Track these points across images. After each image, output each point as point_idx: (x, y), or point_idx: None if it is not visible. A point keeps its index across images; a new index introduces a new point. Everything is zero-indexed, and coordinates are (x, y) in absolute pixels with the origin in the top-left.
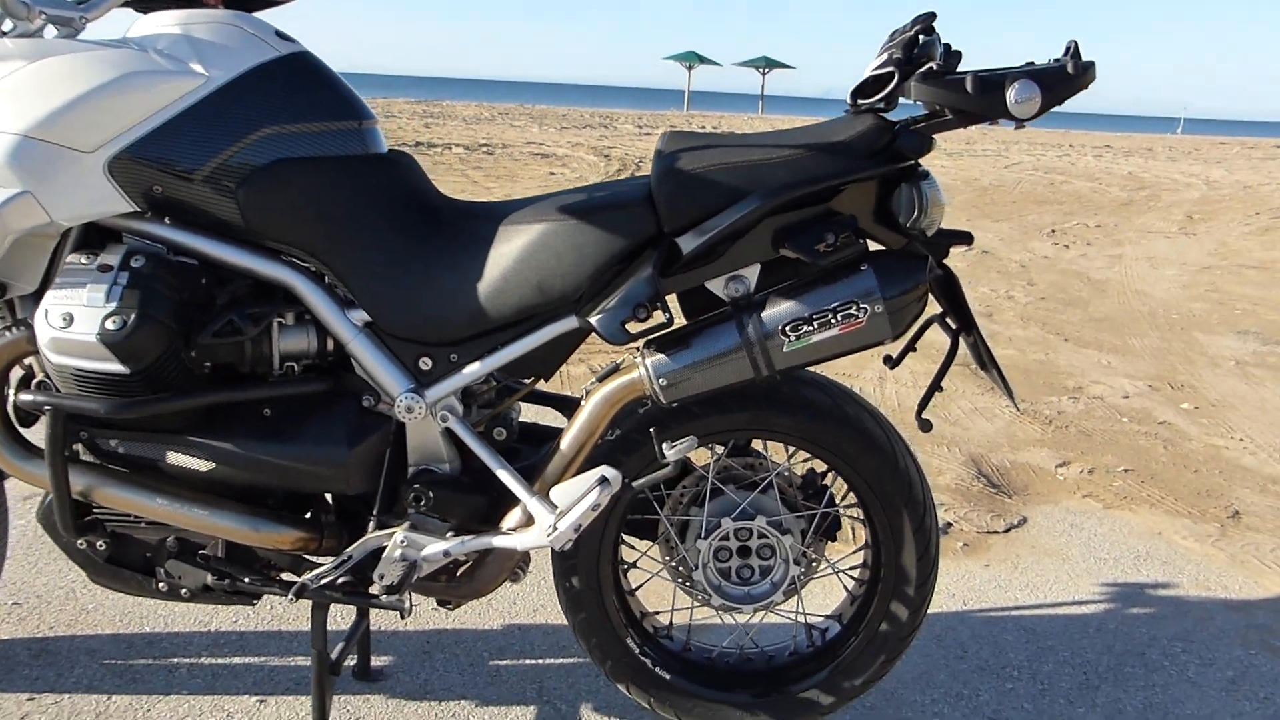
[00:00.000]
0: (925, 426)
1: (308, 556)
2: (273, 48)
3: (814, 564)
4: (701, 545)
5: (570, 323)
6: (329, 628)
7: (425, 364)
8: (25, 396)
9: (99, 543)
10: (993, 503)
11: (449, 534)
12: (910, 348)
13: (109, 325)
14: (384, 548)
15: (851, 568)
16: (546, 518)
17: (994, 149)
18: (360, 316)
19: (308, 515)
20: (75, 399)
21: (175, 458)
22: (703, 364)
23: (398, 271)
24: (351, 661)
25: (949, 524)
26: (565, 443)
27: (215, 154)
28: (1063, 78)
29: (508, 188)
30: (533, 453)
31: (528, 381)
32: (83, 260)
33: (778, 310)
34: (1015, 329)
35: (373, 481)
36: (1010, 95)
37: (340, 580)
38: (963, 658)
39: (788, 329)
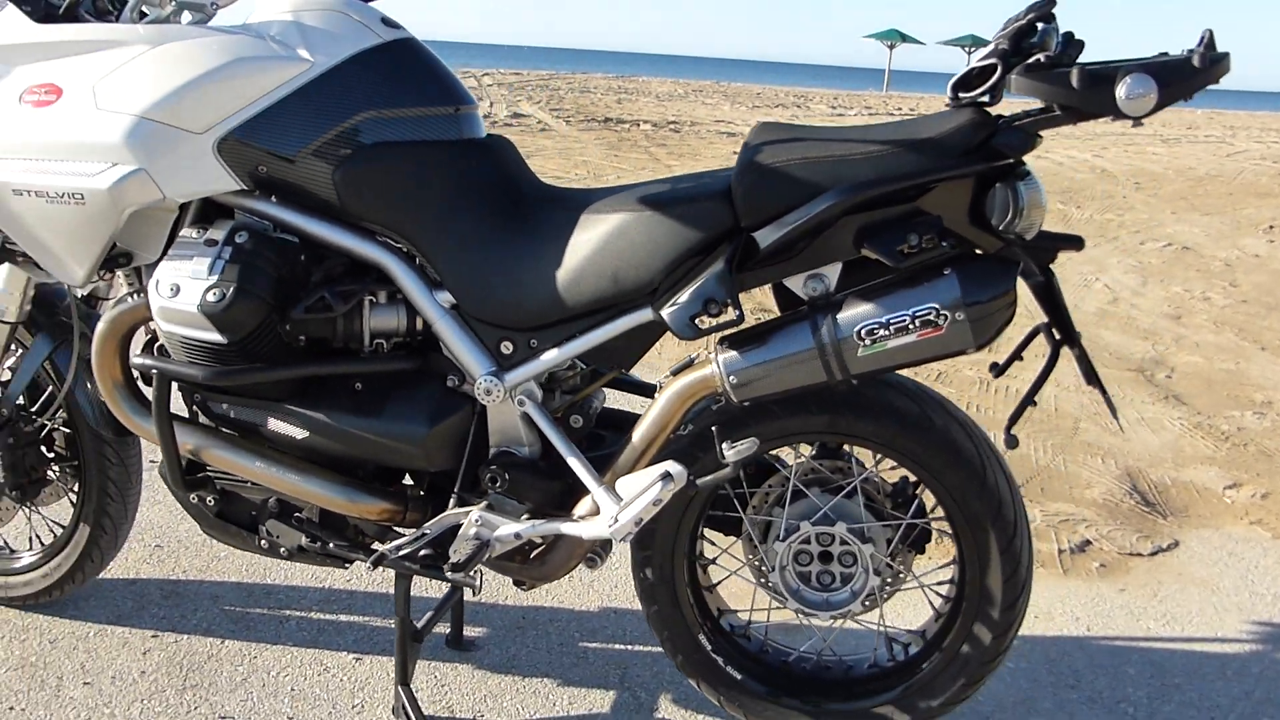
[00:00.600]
0: (1011, 443)
1: (395, 528)
2: (376, 34)
3: (899, 575)
4: (779, 547)
5: (646, 315)
6: (425, 596)
7: (506, 348)
8: (137, 359)
9: (209, 499)
10: (1143, 522)
11: (524, 517)
12: (1017, 356)
13: (209, 297)
14: (461, 525)
15: (939, 583)
16: (610, 508)
17: (1218, 134)
18: (447, 298)
19: (395, 488)
20: (179, 364)
21: (274, 424)
22: (775, 364)
23: (482, 256)
24: (446, 629)
25: (1087, 542)
26: (637, 435)
27: (315, 137)
28: (1183, 71)
29: (689, 166)
30: (616, 440)
31: (609, 371)
32: (193, 235)
33: (854, 313)
34: (1205, 333)
35: (454, 460)
36: (1121, 91)
37: (418, 553)
38: (1074, 686)
39: (863, 332)
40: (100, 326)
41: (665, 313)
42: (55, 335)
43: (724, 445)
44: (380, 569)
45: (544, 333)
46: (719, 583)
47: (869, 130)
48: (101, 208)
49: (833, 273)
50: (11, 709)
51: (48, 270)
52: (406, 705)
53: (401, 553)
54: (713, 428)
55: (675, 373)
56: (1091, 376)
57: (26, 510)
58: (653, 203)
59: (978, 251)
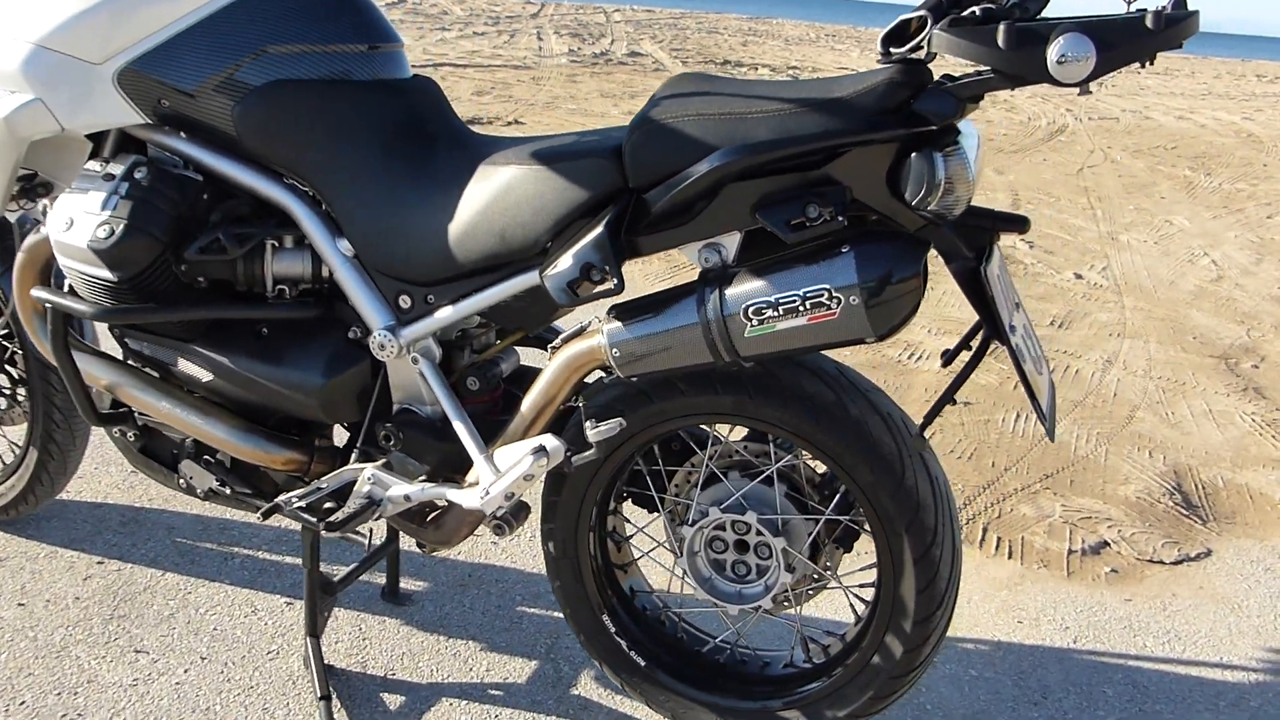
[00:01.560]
0: (920, 445)
1: (304, 479)
2: None
3: (821, 573)
4: (688, 532)
5: (534, 277)
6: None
7: (404, 302)
8: (34, 291)
9: (129, 434)
10: (1176, 527)
11: (421, 479)
12: (965, 345)
13: (99, 233)
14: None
15: (863, 585)
16: (486, 479)
17: None
18: (348, 246)
19: (301, 439)
20: (73, 299)
21: (183, 365)
22: (659, 338)
23: (379, 204)
24: (382, 580)
25: (1104, 544)
26: (525, 404)
27: (214, 71)
28: (1131, 32)
29: None
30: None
31: (513, 332)
32: (95, 168)
33: (743, 289)
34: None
35: (357, 414)
36: (1052, 52)
37: (313, 505)
38: (1038, 703)
39: (750, 311)
40: (19, 256)
41: (546, 276)
42: (5, 261)
43: (588, 424)
44: (266, 519)
45: (440, 288)
46: (634, 561)
47: (784, 86)
48: (0, 137)
49: (730, 243)
50: None
51: None
52: (311, 656)
53: (295, 505)
54: (578, 405)
55: (566, 340)
56: (1020, 371)
57: None
58: (545, 157)
59: (894, 229)
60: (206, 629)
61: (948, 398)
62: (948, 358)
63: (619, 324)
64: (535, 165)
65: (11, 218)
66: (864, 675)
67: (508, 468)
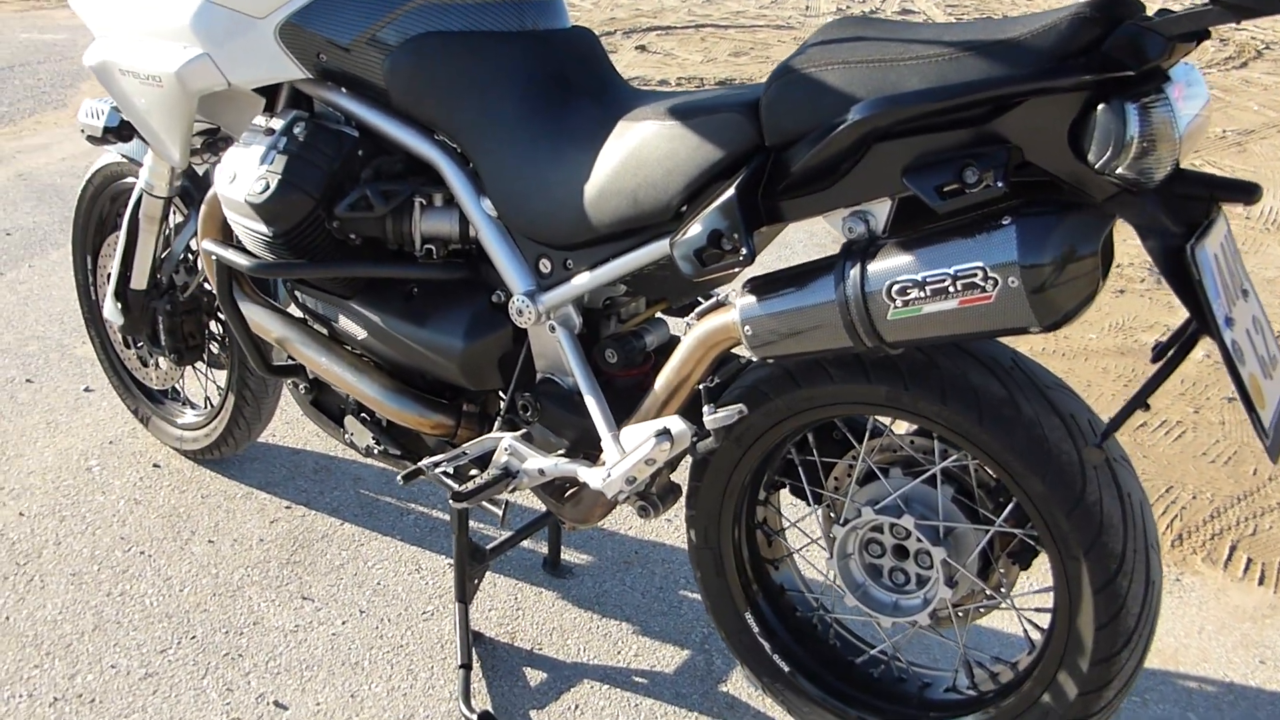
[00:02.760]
0: (1093, 456)
1: (454, 444)
2: None
3: (993, 590)
4: (840, 532)
5: (666, 245)
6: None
7: (545, 266)
8: (204, 243)
9: (301, 386)
10: None
11: (560, 452)
12: (1182, 336)
13: (255, 187)
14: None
15: (1040, 609)
16: (612, 459)
17: None
18: (491, 205)
19: (450, 403)
20: (233, 251)
21: (342, 322)
22: (793, 316)
23: (520, 161)
24: (544, 549)
25: None
26: (659, 382)
27: (368, 24)
28: None
29: None
30: None
31: (658, 302)
32: (261, 123)
33: (887, 264)
34: None
35: (499, 381)
36: None
37: (454, 471)
38: None
39: (894, 290)
40: (201, 209)
41: (674, 244)
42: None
43: (706, 409)
44: (407, 484)
45: (578, 253)
46: (788, 555)
47: (950, 29)
48: (173, 91)
49: (880, 211)
50: (142, 553)
51: (154, 149)
52: (458, 622)
53: (437, 470)
54: (702, 386)
55: (701, 314)
56: (1234, 377)
57: (199, 372)
58: (682, 111)
59: (1073, 199)
60: (371, 582)
61: (1140, 400)
62: (1159, 351)
63: (753, 298)
64: (670, 121)
65: (203, 171)
66: (1032, 713)
67: (630, 449)
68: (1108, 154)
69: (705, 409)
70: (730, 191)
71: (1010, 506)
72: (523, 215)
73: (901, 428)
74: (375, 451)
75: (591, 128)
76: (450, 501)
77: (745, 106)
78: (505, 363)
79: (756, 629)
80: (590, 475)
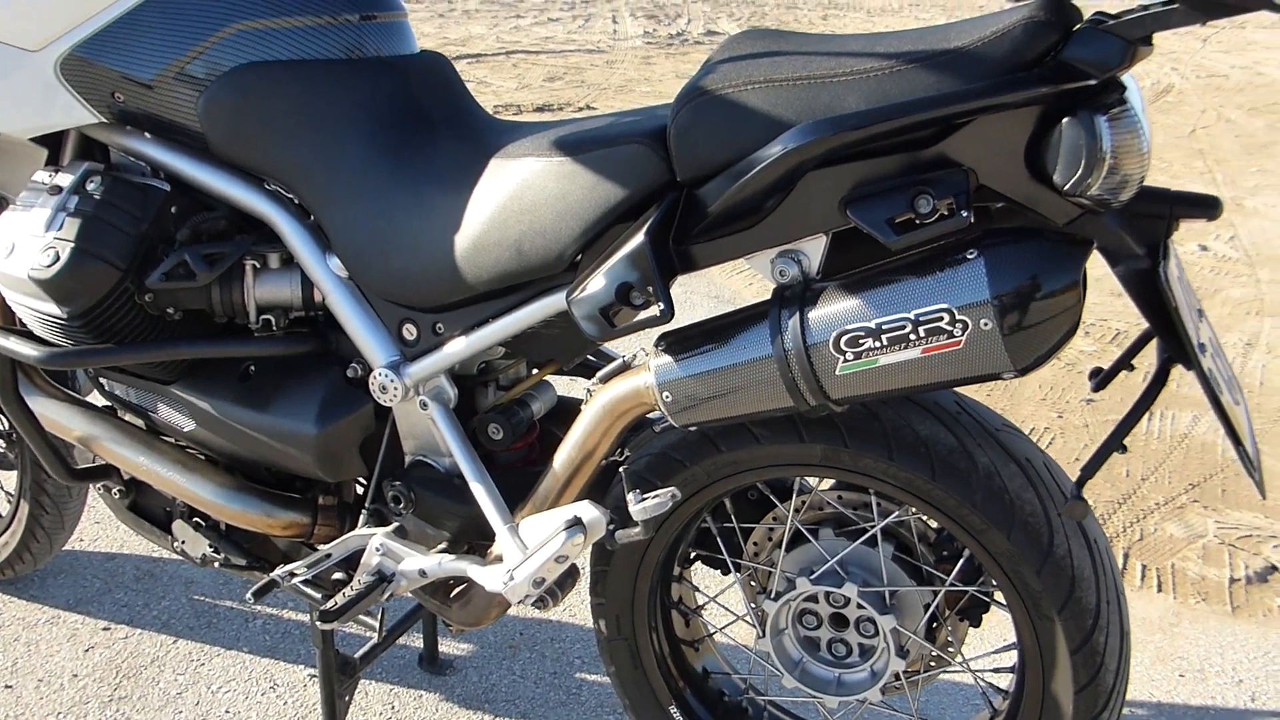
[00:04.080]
0: (1076, 511)
1: (310, 545)
2: None
3: (942, 653)
4: (772, 607)
5: (561, 300)
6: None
7: (409, 332)
8: None
9: (114, 490)
10: None
11: (441, 546)
12: (1125, 363)
13: (41, 259)
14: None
15: (998, 670)
16: (511, 558)
17: None
18: (340, 264)
19: (302, 497)
20: (15, 340)
21: (162, 412)
22: (722, 377)
23: (372, 211)
24: (420, 643)
25: (1272, 568)
26: (558, 460)
27: (175, 56)
28: None
29: None
30: None
31: (538, 369)
32: (45, 178)
33: (832, 310)
34: None
35: (361, 469)
36: None
37: (318, 580)
38: None
39: (843, 341)
40: None
41: (573, 301)
42: None
43: (631, 495)
44: (256, 601)
45: (450, 314)
46: (707, 636)
47: (881, 39)
48: None
49: (813, 250)
50: None
51: None
52: None
53: (295, 579)
54: (619, 470)
55: (605, 379)
56: (1217, 408)
57: None
58: (570, 146)
59: (1037, 224)
60: (218, 711)
61: (1116, 442)
62: (1099, 379)
63: (670, 359)
64: (557, 157)
65: None
66: None
67: (534, 546)
68: (1078, 173)
69: (630, 496)
70: (639, 237)
71: (962, 561)
72: (380, 274)
73: (824, 484)
74: (214, 562)
75: (457, 168)
76: (316, 622)
77: (649, 136)
78: (367, 447)
79: None
80: (486, 576)
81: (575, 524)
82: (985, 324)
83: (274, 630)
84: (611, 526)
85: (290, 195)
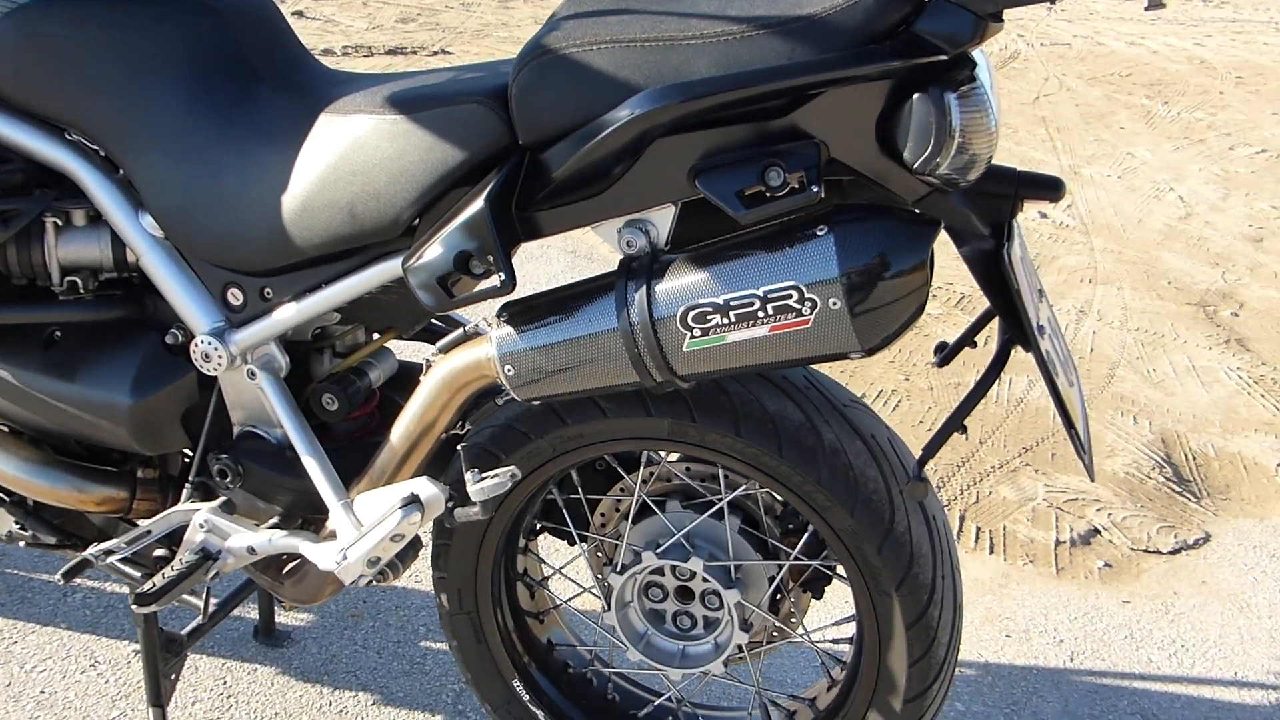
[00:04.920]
0: (917, 491)
1: (129, 519)
2: None
3: (784, 624)
4: (617, 581)
5: (397, 266)
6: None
7: (235, 297)
8: None
9: None
10: (1169, 508)
11: (272, 521)
12: (969, 339)
13: None
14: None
15: (836, 641)
16: (346, 535)
17: None
18: (154, 223)
19: (116, 471)
20: None
21: None
22: (566, 350)
23: (189, 167)
24: (255, 614)
25: (1094, 531)
26: (395, 433)
27: None
28: None
29: None
30: None
31: (377, 335)
32: None
33: (679, 284)
34: None
35: (183, 441)
36: None
37: (138, 558)
38: None
39: (690, 316)
40: None
41: (409, 269)
42: None
43: (469, 474)
44: (68, 582)
45: (279, 279)
46: (553, 608)
47: (731, 2)
48: None
49: (661, 220)
50: None
51: None
52: None
53: (110, 559)
54: (458, 447)
55: (444, 349)
56: (1053, 392)
57: None
58: (405, 103)
59: (885, 201)
60: (32, 691)
61: (956, 423)
62: (944, 355)
63: (511, 330)
64: (392, 115)
65: None
66: None
67: (369, 524)
68: (928, 150)
69: (468, 475)
70: (479, 203)
71: (806, 536)
72: (199, 235)
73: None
74: (21, 540)
75: (284, 122)
76: (133, 606)
77: (489, 96)
78: (190, 417)
79: (527, 697)
80: (319, 554)
81: (412, 501)
82: (834, 303)
83: (95, 604)
84: (450, 504)
85: (94, 146)
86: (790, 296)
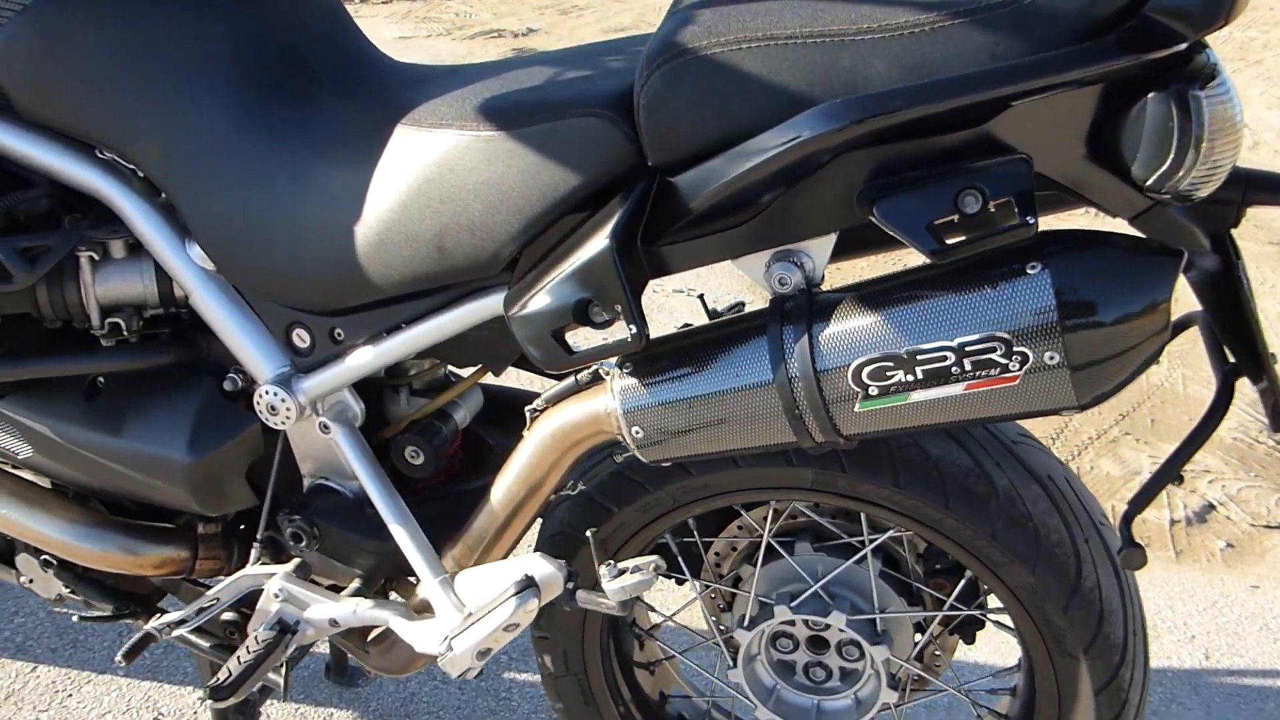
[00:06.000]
0: (1134, 560)
1: (191, 581)
2: None
3: (930, 671)
4: (744, 636)
5: (498, 303)
6: None
7: (301, 339)
8: None
9: None
10: None
11: (352, 586)
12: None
13: None
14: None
15: (994, 691)
16: (447, 618)
17: None
18: (204, 254)
19: (176, 526)
20: None
21: None
22: (706, 407)
23: (241, 191)
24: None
25: (1209, 506)
26: (496, 494)
27: None
28: None
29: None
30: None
31: (468, 373)
32: None
33: (851, 331)
34: None
35: (248, 499)
36: None
37: (208, 627)
38: None
39: (865, 373)
40: None
41: (513, 318)
42: None
43: (605, 569)
44: (129, 662)
45: (352, 319)
46: (666, 660)
47: None
48: None
49: (820, 252)
50: None
51: None
52: None
53: (181, 630)
54: (588, 533)
55: (552, 400)
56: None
57: None
58: (502, 113)
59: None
60: None
61: (1172, 472)
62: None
63: (637, 382)
64: (488, 130)
65: None
66: None
67: (479, 612)
68: (1168, 161)
69: (603, 570)
70: (602, 241)
71: (963, 583)
72: (256, 269)
73: None
74: (73, 611)
75: (353, 136)
76: (208, 701)
77: (608, 106)
78: (255, 470)
79: None
80: (417, 636)
81: (527, 586)
82: (1051, 358)
83: (155, 646)
84: (570, 585)
85: (129, 166)
86: (994, 350)
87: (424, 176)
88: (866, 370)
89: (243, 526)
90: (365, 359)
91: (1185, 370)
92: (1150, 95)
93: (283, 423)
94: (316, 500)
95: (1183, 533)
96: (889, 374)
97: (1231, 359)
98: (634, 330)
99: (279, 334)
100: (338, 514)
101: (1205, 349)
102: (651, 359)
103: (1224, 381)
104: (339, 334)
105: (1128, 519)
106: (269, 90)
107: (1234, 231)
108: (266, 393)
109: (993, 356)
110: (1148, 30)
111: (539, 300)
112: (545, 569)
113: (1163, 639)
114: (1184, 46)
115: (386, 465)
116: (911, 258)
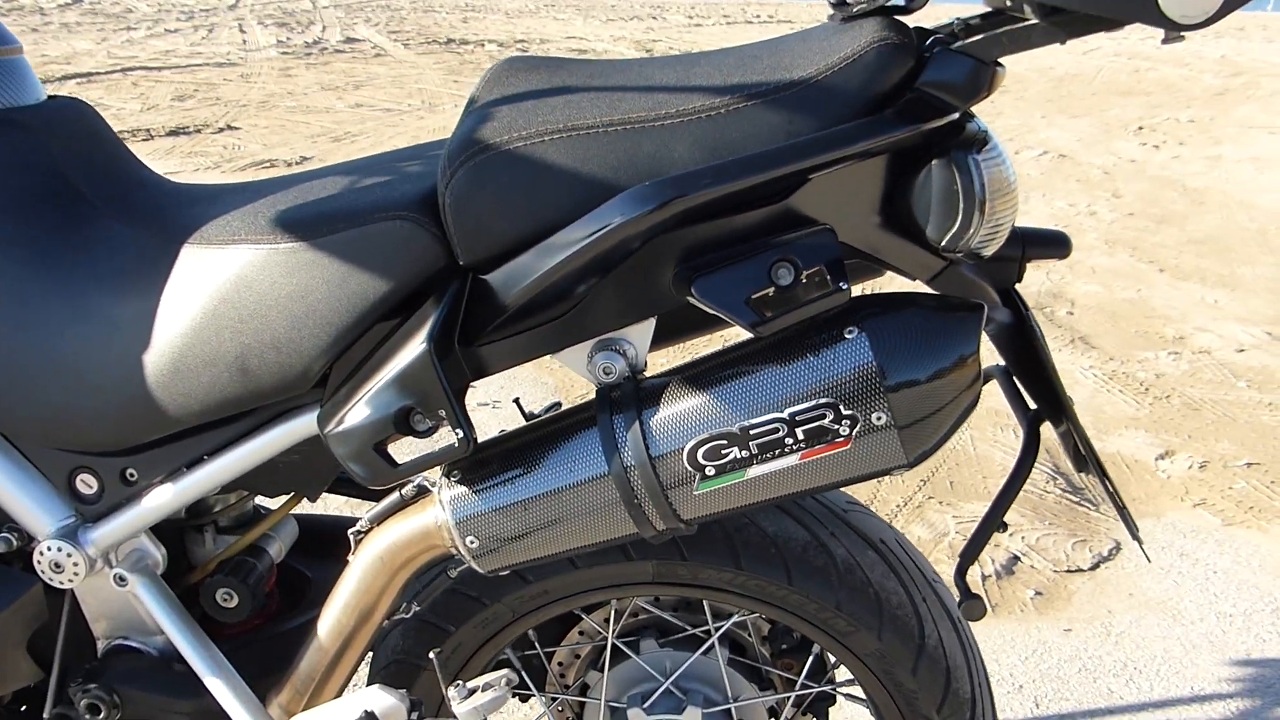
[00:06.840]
0: (975, 611)
1: None
2: None
3: None
4: None
5: (310, 423)
6: None
7: (86, 485)
8: None
9: None
10: (1074, 519)
11: None
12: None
13: None
14: None
15: None
16: None
17: None
18: None
19: None
20: None
21: None
22: (541, 508)
23: (10, 329)
24: None
25: (1015, 558)
26: (323, 628)
27: None
28: None
29: None
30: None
31: (278, 503)
32: None
33: (681, 413)
34: (1099, 255)
35: (29, 673)
36: None
37: None
38: None
39: (700, 453)
40: None
41: (330, 436)
42: None
43: (453, 689)
44: None
45: (145, 456)
46: None
47: (697, 65)
48: None
49: (641, 337)
50: None
51: None
52: None
53: None
54: (430, 655)
55: (377, 520)
56: (1086, 461)
57: None
58: (302, 225)
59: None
60: None
61: (995, 520)
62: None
63: (466, 490)
64: (286, 242)
65: None
66: None
67: None
68: (956, 222)
69: (450, 691)
70: (419, 345)
71: (811, 660)
72: (29, 414)
73: None
74: None
75: (132, 262)
76: None
77: (413, 208)
78: (38, 641)
79: None
80: None
81: None
82: (879, 418)
83: None
84: (414, 716)
85: None
86: (824, 416)
87: (219, 296)
88: (701, 451)
89: (24, 708)
90: (164, 499)
91: (972, 431)
92: (934, 161)
93: (69, 580)
94: (114, 663)
95: (995, 586)
96: (724, 452)
97: (1033, 406)
98: (460, 435)
99: (60, 482)
100: (141, 676)
101: (1006, 400)
102: (480, 464)
103: (1029, 428)
104: (131, 474)
105: (961, 571)
106: (37, 219)
107: (1018, 286)
108: (48, 549)
109: (823, 424)
110: (922, 103)
111: (357, 413)
112: (386, 701)
113: (994, 691)
114: (956, 116)
115: (195, 612)
116: (732, 335)
